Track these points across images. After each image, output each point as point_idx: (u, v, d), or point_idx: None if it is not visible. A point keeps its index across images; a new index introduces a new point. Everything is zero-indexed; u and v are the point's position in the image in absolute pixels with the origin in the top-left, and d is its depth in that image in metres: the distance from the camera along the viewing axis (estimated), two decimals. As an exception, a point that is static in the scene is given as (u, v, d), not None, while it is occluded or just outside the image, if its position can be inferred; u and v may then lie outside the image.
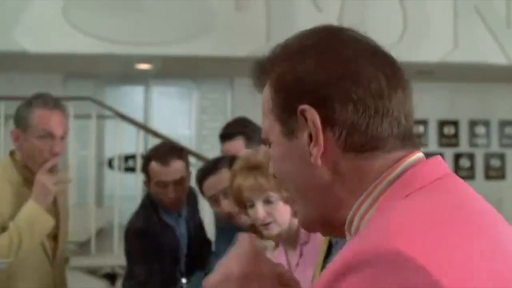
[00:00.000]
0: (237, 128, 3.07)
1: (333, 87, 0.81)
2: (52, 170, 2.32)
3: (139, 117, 6.79)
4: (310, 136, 0.82)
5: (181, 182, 2.78)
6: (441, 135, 8.03)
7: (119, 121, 5.94)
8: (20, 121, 2.34)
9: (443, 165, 0.84)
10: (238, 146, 2.95)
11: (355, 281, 0.68)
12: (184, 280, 2.76)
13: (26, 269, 2.28)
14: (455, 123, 8.04)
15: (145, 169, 2.84)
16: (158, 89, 7.73)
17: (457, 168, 7.99)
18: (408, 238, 0.69)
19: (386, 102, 0.83)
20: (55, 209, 2.44)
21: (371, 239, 0.71)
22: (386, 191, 0.80)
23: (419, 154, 0.84)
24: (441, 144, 8.02)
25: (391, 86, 0.84)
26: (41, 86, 6.18)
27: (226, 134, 3.07)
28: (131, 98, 7.68)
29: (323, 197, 0.84)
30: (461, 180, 0.83)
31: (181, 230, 2.95)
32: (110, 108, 6.03)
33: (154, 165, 2.77)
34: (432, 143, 7.99)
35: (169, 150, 2.86)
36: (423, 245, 0.68)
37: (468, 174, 7.97)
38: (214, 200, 2.54)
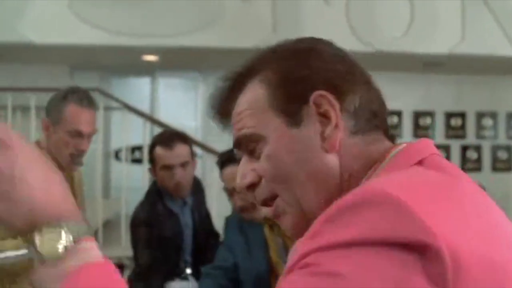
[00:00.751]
0: None
1: (343, 76, 0.88)
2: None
3: (145, 108, 6.80)
4: (321, 124, 0.85)
5: (185, 166, 2.81)
6: (448, 127, 8.00)
7: (125, 112, 5.95)
8: (52, 113, 2.40)
9: (431, 146, 0.88)
10: None
11: (344, 222, 0.69)
12: (189, 271, 2.77)
13: None
14: (462, 115, 8.01)
15: (150, 155, 2.89)
16: (164, 80, 7.73)
17: (464, 160, 7.97)
18: (399, 187, 0.71)
19: (375, 94, 0.91)
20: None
21: (361, 188, 0.74)
22: (380, 175, 0.83)
23: (405, 144, 0.89)
24: (448, 136, 7.99)
25: (373, 82, 0.92)
26: (47, 77, 6.21)
27: None
28: (137, 89, 7.68)
29: (331, 185, 0.86)
30: (446, 160, 0.87)
31: (186, 218, 2.96)
32: (117, 100, 6.04)
33: (158, 149, 2.82)
34: (439, 135, 7.96)
35: (173, 134, 2.91)
36: (414, 195, 0.70)
37: (475, 166, 7.94)
38: (229, 193, 2.55)
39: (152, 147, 2.88)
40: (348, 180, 0.85)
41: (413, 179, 0.76)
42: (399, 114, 7.84)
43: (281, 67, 0.89)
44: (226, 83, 0.93)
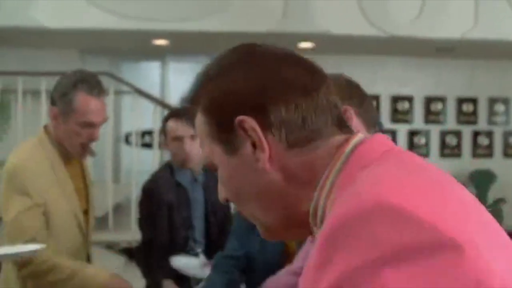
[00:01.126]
0: None
1: (262, 93, 0.87)
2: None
3: (155, 92, 6.80)
4: (253, 145, 0.86)
5: (195, 138, 2.87)
6: (460, 112, 7.95)
7: (136, 96, 5.96)
8: (61, 102, 2.32)
9: (388, 139, 0.88)
10: None
11: (351, 241, 0.68)
12: (199, 250, 2.79)
13: (61, 243, 2.30)
14: (474, 101, 7.96)
15: (163, 129, 2.98)
16: (174, 65, 7.72)
17: (475, 146, 7.93)
18: (393, 191, 0.71)
19: (314, 97, 0.87)
20: (85, 185, 2.49)
21: (355, 199, 0.72)
22: (342, 172, 0.83)
23: (361, 135, 0.88)
24: (460, 122, 7.95)
25: (315, 82, 0.89)
26: (58, 61, 6.22)
27: None
28: (147, 74, 7.68)
29: (282, 200, 0.88)
30: (408, 152, 0.87)
31: (196, 194, 3.00)
32: (128, 84, 6.04)
33: (170, 122, 2.93)
34: (451, 120, 7.91)
35: (185, 109, 2.96)
36: (409, 196, 0.70)
37: (486, 152, 7.90)
38: None
39: (164, 121, 2.98)
40: (300, 191, 0.86)
41: (390, 176, 0.75)
42: (410, 99, 7.80)
43: (208, 93, 0.89)
44: (184, 106, 0.96)
